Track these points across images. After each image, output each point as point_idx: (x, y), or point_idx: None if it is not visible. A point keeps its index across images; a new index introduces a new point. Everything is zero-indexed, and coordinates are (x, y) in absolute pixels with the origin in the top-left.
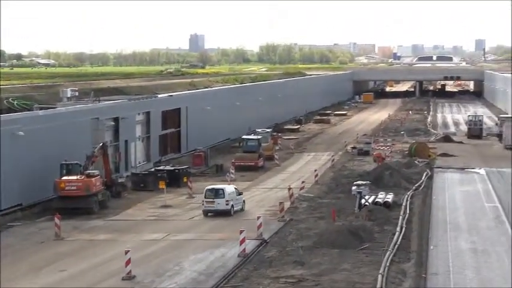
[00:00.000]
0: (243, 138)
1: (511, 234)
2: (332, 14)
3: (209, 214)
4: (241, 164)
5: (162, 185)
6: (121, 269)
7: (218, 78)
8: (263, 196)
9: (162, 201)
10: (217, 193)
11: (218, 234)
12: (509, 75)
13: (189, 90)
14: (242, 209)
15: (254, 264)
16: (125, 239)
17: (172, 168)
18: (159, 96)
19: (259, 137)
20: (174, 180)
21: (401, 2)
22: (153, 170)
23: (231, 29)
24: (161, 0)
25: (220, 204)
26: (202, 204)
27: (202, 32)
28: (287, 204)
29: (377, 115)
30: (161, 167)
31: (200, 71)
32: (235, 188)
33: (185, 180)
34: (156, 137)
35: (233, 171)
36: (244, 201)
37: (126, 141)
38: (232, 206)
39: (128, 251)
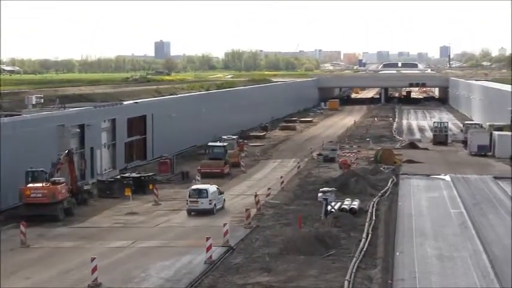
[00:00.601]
0: (209, 145)
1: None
2: (297, 20)
3: (192, 213)
4: (207, 171)
5: (128, 192)
6: (87, 276)
7: (184, 85)
8: (229, 203)
9: (128, 209)
10: (200, 193)
11: (185, 241)
12: (473, 81)
13: (154, 97)
14: (223, 207)
15: (221, 271)
16: (91, 246)
17: (138, 175)
18: (125, 103)
19: (225, 144)
20: (140, 187)
21: (365, 10)
22: (119, 177)
23: (197, 35)
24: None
25: (203, 203)
26: (187, 204)
27: (167, 38)
28: (253, 211)
29: (343, 122)
30: (127, 174)
31: (166, 77)
32: (217, 188)
33: (151, 187)
34: (121, 144)
35: (199, 178)
36: (224, 199)
37: (91, 149)
38: (215, 205)
39: (94, 258)
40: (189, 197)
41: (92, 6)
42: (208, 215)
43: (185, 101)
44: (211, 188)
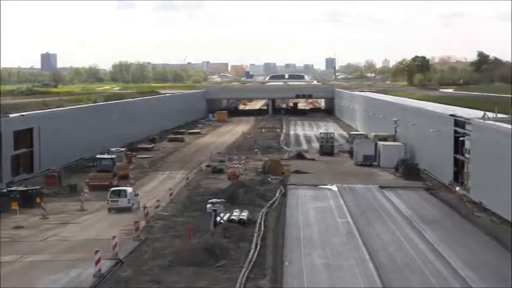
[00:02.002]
0: (97, 158)
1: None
2: (184, 32)
3: (112, 211)
4: (96, 183)
5: (14, 205)
6: None
7: (71, 98)
8: (118, 215)
9: (15, 223)
10: (120, 193)
11: (73, 254)
12: (358, 93)
13: (41, 109)
14: (138, 207)
15: (110, 284)
16: None
17: (25, 188)
18: (11, 116)
19: (113, 156)
20: (27, 200)
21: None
22: (5, 190)
23: (84, 48)
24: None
25: (123, 202)
26: (108, 203)
27: (54, 50)
28: (142, 223)
29: (231, 133)
30: (13, 188)
31: (53, 90)
32: (134, 190)
33: (38, 200)
34: (7, 157)
35: (87, 190)
36: (139, 201)
37: None
38: (132, 203)
39: None
40: (110, 197)
41: None
42: (127, 212)
43: (72, 113)
44: (129, 189)
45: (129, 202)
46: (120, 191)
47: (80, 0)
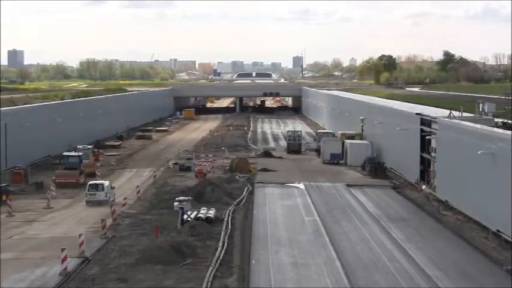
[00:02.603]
0: (64, 155)
1: None
2: (152, 30)
3: (90, 204)
4: (62, 181)
5: None
6: None
7: (38, 95)
8: (85, 213)
9: None
10: (97, 187)
11: (39, 252)
12: (325, 91)
13: (8, 106)
14: (113, 200)
15: (76, 283)
16: None
17: None
18: None
19: (80, 153)
20: None
21: (218, 20)
22: None
23: (51, 44)
24: None
25: (100, 195)
26: (86, 196)
27: (21, 47)
28: (109, 221)
29: (198, 131)
30: None
31: (19, 87)
32: (110, 183)
33: (4, 198)
34: None
35: (54, 188)
36: (114, 194)
37: None
38: (109, 197)
39: None
40: (88, 190)
41: None
42: (104, 205)
43: (39, 110)
44: (106, 183)
45: (106, 195)
46: (97, 184)
47: None
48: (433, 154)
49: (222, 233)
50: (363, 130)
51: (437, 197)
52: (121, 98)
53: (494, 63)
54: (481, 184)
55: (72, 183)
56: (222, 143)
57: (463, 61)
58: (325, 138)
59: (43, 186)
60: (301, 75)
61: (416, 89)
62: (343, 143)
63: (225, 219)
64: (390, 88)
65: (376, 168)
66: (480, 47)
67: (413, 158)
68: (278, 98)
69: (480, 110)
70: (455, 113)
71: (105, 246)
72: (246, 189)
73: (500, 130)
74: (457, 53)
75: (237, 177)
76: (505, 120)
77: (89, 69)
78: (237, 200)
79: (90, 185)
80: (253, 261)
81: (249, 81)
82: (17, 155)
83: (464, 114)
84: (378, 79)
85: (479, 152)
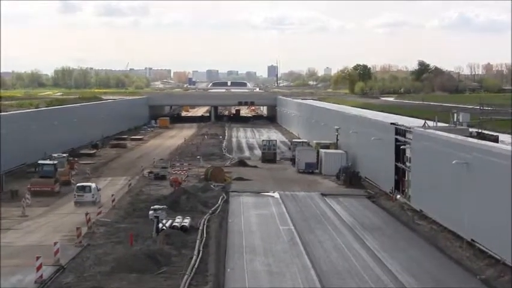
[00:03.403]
0: (39, 163)
1: None
2: (127, 38)
3: (78, 205)
4: (37, 189)
5: None
6: None
7: (13, 103)
8: (60, 221)
9: None
10: (85, 189)
11: (14, 260)
12: (300, 100)
13: None
14: (99, 201)
15: None
16: None
17: None
18: None
19: (55, 162)
20: None
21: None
22: None
23: (26, 52)
24: None
25: (88, 196)
26: (74, 197)
27: None
28: (84, 230)
29: (173, 140)
30: None
31: None
32: (96, 186)
33: None
34: None
35: (29, 196)
36: (100, 195)
37: None
38: (96, 198)
39: None
40: (76, 192)
41: None
42: (92, 205)
43: (14, 118)
44: (93, 185)
45: (93, 197)
46: (85, 186)
47: (22, 1)
48: (407, 164)
49: (197, 241)
50: (337, 140)
51: (412, 206)
52: (96, 107)
53: (469, 73)
54: (455, 194)
55: (47, 191)
56: (197, 151)
57: (437, 71)
58: (300, 147)
59: (18, 194)
60: (276, 85)
61: (391, 99)
62: (318, 152)
63: (200, 227)
64: (365, 97)
65: (351, 178)
66: (455, 57)
67: (388, 167)
68: (253, 107)
69: (455, 119)
70: (430, 123)
71: (80, 254)
72: (221, 198)
73: (475, 140)
74: (432, 62)
75: (212, 186)
76: (480, 130)
77: (64, 78)
78: (212, 209)
79: (78, 187)
80: (229, 270)
81: (224, 90)
82: None
83: (439, 124)
84: (352, 88)
85: (453, 162)
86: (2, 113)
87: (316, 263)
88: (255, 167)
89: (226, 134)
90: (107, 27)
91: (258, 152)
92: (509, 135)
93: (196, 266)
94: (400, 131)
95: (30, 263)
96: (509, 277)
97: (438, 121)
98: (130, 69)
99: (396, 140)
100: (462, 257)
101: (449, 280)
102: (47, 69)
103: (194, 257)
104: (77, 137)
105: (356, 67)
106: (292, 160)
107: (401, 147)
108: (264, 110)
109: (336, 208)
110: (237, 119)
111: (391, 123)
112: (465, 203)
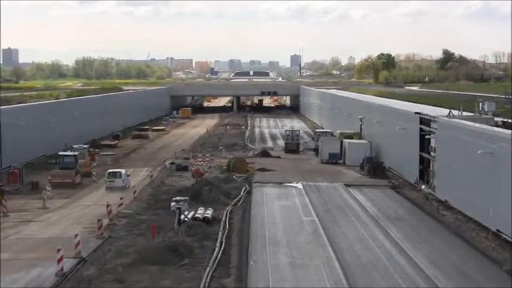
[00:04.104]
0: (60, 155)
1: None
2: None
3: (109, 190)
4: (58, 181)
5: None
6: None
7: (33, 94)
8: (81, 213)
9: None
10: (115, 175)
11: (35, 253)
12: (323, 90)
13: (2, 105)
14: (129, 186)
15: (72, 283)
16: None
17: None
18: None
19: (76, 153)
20: None
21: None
22: None
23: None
24: None
25: (118, 182)
26: (106, 183)
27: (16, 46)
28: (105, 221)
29: (195, 130)
30: None
31: (14, 85)
32: (126, 171)
33: None
34: None
35: (50, 188)
36: (130, 180)
37: None
38: (126, 183)
39: None
40: (108, 178)
41: None
42: (123, 190)
43: (35, 109)
44: (123, 171)
45: (123, 182)
46: (115, 172)
47: None
48: (432, 154)
49: (220, 233)
50: (361, 129)
51: (437, 196)
52: (117, 97)
53: (494, 62)
54: (480, 184)
55: (68, 183)
56: (219, 142)
57: (462, 60)
58: (323, 137)
59: (38, 186)
60: (299, 74)
61: (415, 88)
62: (341, 143)
63: (223, 219)
64: (389, 87)
65: (374, 168)
66: (480, 46)
67: (413, 157)
68: (276, 97)
69: (480, 109)
70: (455, 112)
71: (101, 246)
72: (243, 189)
73: (500, 129)
74: (457, 51)
75: (234, 177)
76: (505, 119)
77: (85, 68)
78: (235, 200)
79: (109, 173)
80: (251, 262)
81: (246, 80)
82: (11, 154)
83: (464, 113)
84: (376, 78)
85: (479, 152)
86: (22, 104)
87: (340, 255)
88: (278, 157)
89: (249, 124)
90: (128, 16)
91: (281, 143)
92: None
93: (218, 258)
94: (424, 121)
95: (51, 255)
96: None
97: (463, 110)
98: (152, 59)
99: (421, 129)
100: (487, 247)
101: (474, 271)
102: (68, 60)
103: (216, 249)
104: (98, 128)
105: (380, 56)
106: (316, 150)
107: (426, 137)
108: (286, 100)
109: (359, 199)
110: (260, 109)
111: (416, 113)
112: (490, 193)
